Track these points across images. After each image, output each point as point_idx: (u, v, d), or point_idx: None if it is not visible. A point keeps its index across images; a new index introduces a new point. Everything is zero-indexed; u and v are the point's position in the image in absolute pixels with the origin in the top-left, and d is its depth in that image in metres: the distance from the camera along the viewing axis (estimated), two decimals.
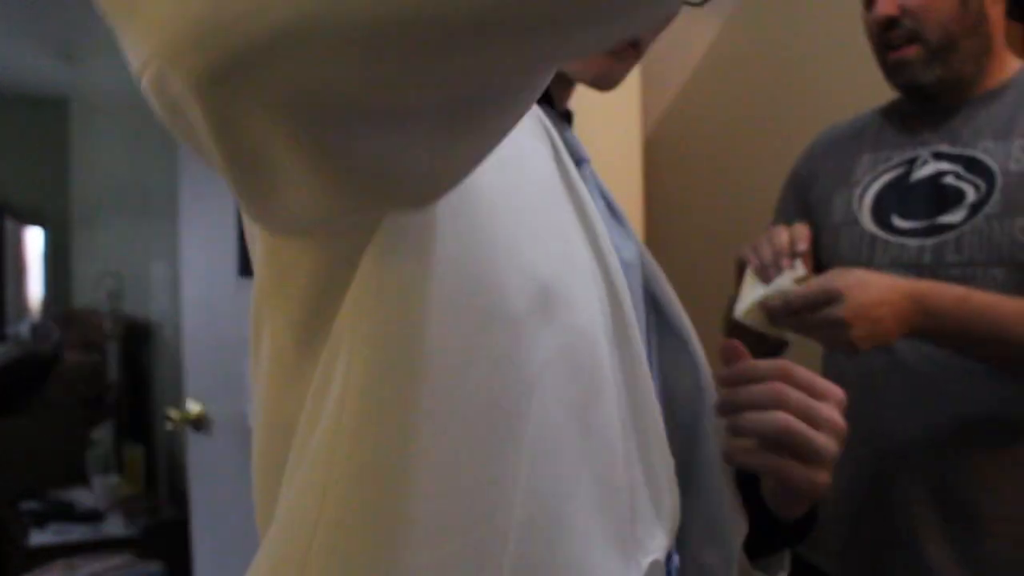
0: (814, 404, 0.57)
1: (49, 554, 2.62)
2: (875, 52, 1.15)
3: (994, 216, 1.04)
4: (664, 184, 1.98)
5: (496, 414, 0.44)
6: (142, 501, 2.99)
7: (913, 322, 0.97)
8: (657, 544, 0.53)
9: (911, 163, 1.15)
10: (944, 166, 1.11)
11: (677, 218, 1.98)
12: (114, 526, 2.83)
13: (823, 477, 0.57)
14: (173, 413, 1.99)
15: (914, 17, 1.08)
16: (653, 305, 0.63)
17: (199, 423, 1.96)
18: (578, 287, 0.50)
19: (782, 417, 0.56)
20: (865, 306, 0.94)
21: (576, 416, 0.47)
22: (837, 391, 0.59)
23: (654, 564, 0.52)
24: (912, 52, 1.09)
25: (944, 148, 1.12)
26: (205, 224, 1.96)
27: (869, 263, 1.13)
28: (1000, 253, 1.04)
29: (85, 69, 4.07)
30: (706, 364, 0.63)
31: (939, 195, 1.10)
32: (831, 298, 0.94)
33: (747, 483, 0.64)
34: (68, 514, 2.88)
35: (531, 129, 0.54)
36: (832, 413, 0.58)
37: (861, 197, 1.18)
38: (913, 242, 1.11)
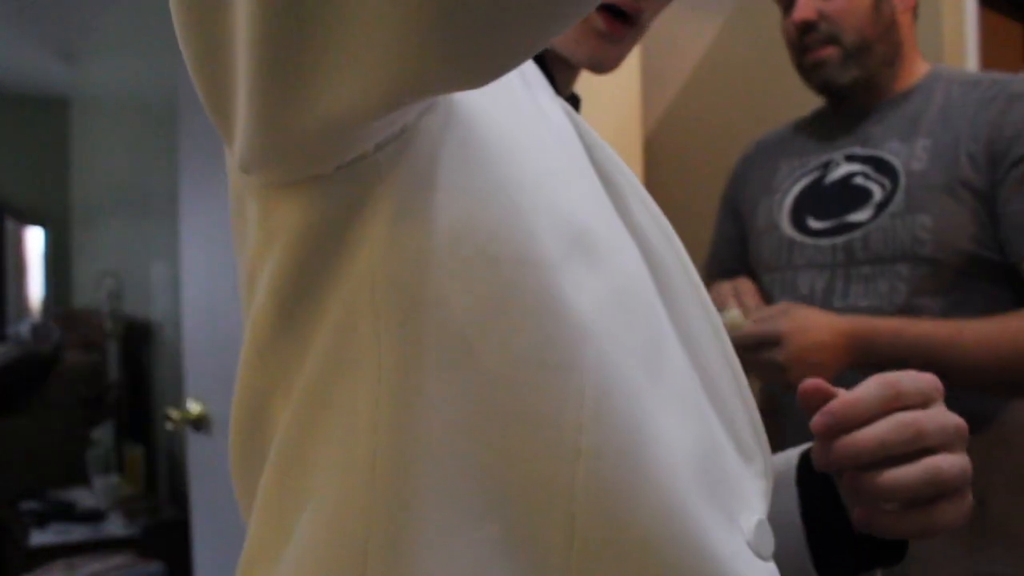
0: (943, 419, 0.48)
1: (50, 554, 2.62)
2: (792, 55, 1.20)
3: (897, 214, 1.09)
4: (664, 184, 1.98)
5: (544, 373, 0.41)
6: (142, 501, 2.99)
7: (850, 360, 1.01)
8: (755, 504, 0.47)
9: (826, 166, 1.20)
10: (855, 167, 1.16)
11: (677, 218, 1.98)
12: (115, 526, 2.83)
13: (969, 501, 0.48)
14: (173, 413, 1.98)
15: (831, 21, 1.13)
16: None
17: (199, 423, 1.95)
18: (616, 233, 0.47)
19: (931, 465, 0.47)
20: (803, 350, 0.99)
21: (643, 364, 0.43)
22: (935, 380, 0.50)
23: (760, 524, 0.46)
24: (829, 53, 1.14)
25: (855, 150, 1.17)
26: (206, 224, 1.96)
27: (788, 266, 1.18)
28: (903, 249, 1.08)
29: (85, 69, 4.07)
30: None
31: (849, 195, 1.15)
32: (771, 341, 0.99)
33: (818, 485, 0.56)
34: (69, 514, 2.87)
35: (551, 97, 0.52)
36: (952, 417, 0.49)
37: (781, 202, 1.23)
38: (825, 242, 1.15)
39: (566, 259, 0.42)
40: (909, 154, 1.11)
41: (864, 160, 1.15)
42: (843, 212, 1.14)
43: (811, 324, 1.00)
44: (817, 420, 0.49)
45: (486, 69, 0.34)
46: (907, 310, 1.07)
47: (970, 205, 1.06)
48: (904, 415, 0.48)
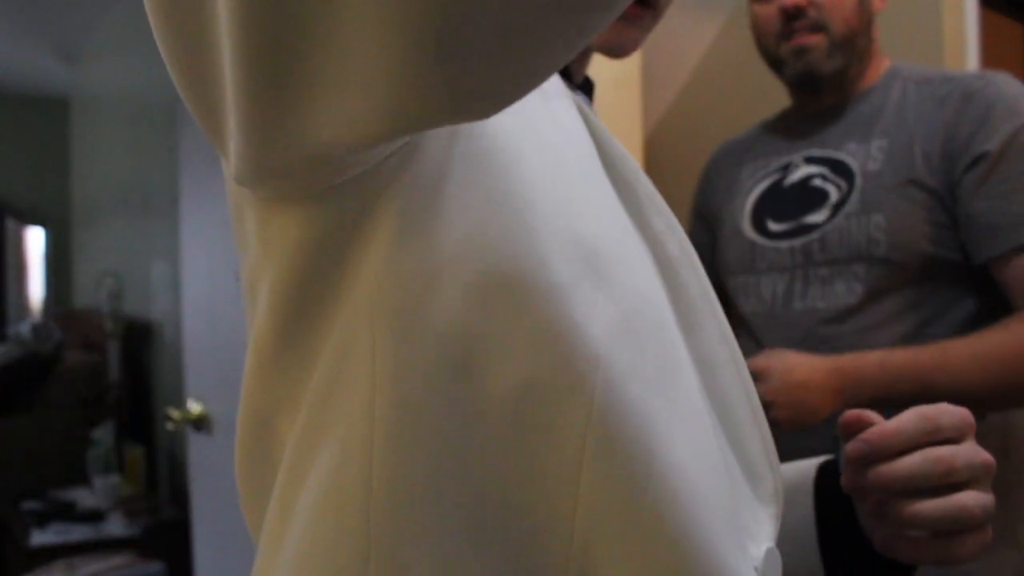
0: (973, 455, 0.49)
1: (50, 554, 2.62)
2: (767, 42, 1.18)
3: (853, 214, 1.09)
4: (664, 184, 1.98)
5: (547, 399, 0.39)
6: (143, 501, 2.99)
7: (840, 398, 1.00)
8: (764, 531, 0.47)
9: (786, 168, 1.19)
10: (813, 169, 1.16)
11: (677, 218, 1.98)
12: (115, 526, 2.83)
13: (989, 535, 0.50)
14: (174, 413, 1.99)
15: (820, 9, 1.12)
16: None
17: (200, 423, 1.96)
18: (631, 248, 0.45)
19: (957, 501, 0.48)
20: (789, 387, 0.98)
21: (654, 389, 0.41)
22: (968, 416, 0.51)
23: (770, 552, 0.46)
24: (816, 40, 1.13)
25: (814, 152, 1.17)
26: (206, 224, 1.96)
27: (751, 270, 1.18)
28: (859, 250, 1.08)
29: (85, 69, 4.07)
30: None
31: (807, 197, 1.15)
32: (757, 376, 0.97)
33: (834, 504, 0.56)
34: (69, 514, 2.87)
35: (562, 96, 0.50)
36: (982, 454, 0.50)
37: (742, 206, 1.23)
38: (784, 244, 1.15)
39: (577, 282, 0.40)
40: (865, 155, 1.11)
41: (822, 162, 1.15)
42: (801, 214, 1.14)
43: (796, 364, 1.00)
44: (853, 446, 0.50)
45: (490, 103, 0.32)
46: (864, 311, 1.07)
47: (925, 205, 1.06)
48: (937, 450, 0.49)
